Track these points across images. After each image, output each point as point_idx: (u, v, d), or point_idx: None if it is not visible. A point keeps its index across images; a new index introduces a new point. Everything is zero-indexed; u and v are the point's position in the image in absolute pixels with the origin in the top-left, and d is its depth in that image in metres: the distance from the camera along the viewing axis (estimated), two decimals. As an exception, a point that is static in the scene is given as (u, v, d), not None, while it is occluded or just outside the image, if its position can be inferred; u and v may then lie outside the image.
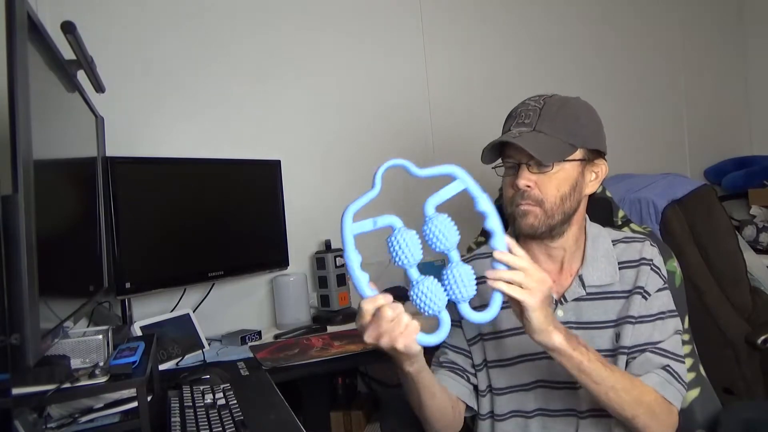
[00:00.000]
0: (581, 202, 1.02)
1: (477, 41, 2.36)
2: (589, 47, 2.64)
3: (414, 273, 0.80)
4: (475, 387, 1.09)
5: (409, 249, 0.78)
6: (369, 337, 0.81)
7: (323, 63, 2.05)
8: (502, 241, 0.81)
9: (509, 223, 1.02)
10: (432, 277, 0.80)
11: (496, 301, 0.81)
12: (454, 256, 0.81)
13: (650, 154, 2.76)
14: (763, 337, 1.71)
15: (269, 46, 1.96)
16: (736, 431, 1.06)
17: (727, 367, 1.82)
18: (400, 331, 0.79)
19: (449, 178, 0.83)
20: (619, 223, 1.32)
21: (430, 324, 0.82)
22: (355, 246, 0.80)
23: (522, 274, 0.80)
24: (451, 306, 0.81)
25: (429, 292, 0.78)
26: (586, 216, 1.07)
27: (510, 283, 0.81)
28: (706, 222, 1.88)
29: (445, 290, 0.80)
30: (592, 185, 1.02)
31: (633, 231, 1.21)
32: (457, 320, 1.03)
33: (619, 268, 1.01)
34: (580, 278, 1.02)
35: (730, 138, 3.08)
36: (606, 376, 0.87)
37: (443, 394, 1.02)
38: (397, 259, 0.79)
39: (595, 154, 1.01)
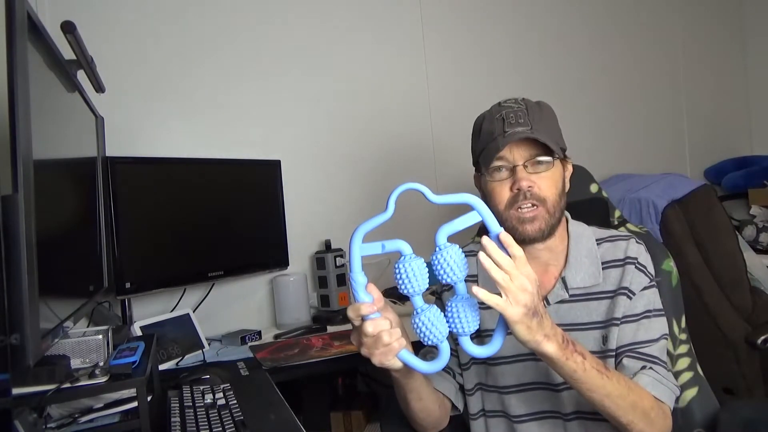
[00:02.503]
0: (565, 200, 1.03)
1: (478, 40, 2.36)
2: (590, 47, 2.64)
3: (418, 301, 0.79)
4: (461, 386, 1.09)
5: (417, 278, 0.77)
6: (353, 341, 0.84)
7: (323, 63, 2.05)
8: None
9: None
10: (435, 308, 0.78)
11: (499, 335, 0.78)
12: (462, 288, 0.78)
13: (650, 154, 2.77)
14: (763, 337, 1.71)
15: (269, 46, 1.96)
16: (736, 431, 1.06)
17: (727, 366, 1.82)
18: (377, 349, 0.79)
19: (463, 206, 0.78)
20: (616, 223, 1.32)
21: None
22: (362, 267, 0.79)
23: (505, 276, 0.75)
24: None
25: (430, 323, 0.77)
26: (568, 215, 1.07)
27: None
28: (706, 222, 1.88)
29: (448, 323, 0.78)
30: (567, 183, 1.05)
31: (629, 231, 1.21)
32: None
33: (603, 268, 1.00)
34: (563, 280, 1.01)
35: (730, 138, 3.08)
36: (601, 385, 0.84)
37: (430, 396, 1.01)
38: (403, 287, 0.77)
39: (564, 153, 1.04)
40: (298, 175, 1.96)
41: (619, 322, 0.96)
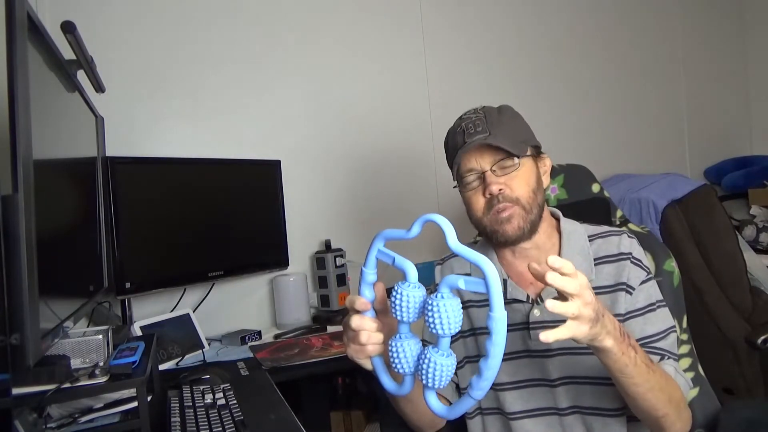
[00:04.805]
0: (544, 195, 1.04)
1: (478, 42, 2.36)
2: (591, 48, 2.64)
3: (403, 328, 0.77)
4: (457, 385, 1.09)
5: (412, 307, 0.75)
6: (342, 325, 0.85)
7: (324, 63, 2.05)
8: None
9: (486, 236, 1.03)
10: (416, 340, 0.77)
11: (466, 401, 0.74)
12: (444, 344, 0.74)
13: (650, 154, 2.77)
14: (763, 337, 1.71)
15: (269, 46, 1.96)
16: (736, 431, 1.06)
17: (727, 367, 1.82)
18: (353, 343, 0.80)
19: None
20: (618, 223, 1.32)
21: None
22: (375, 266, 0.79)
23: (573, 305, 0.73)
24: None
25: (403, 353, 0.75)
26: (560, 213, 1.08)
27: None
28: (706, 222, 1.88)
29: (419, 372, 0.75)
30: (545, 178, 1.05)
31: (631, 231, 1.21)
32: None
33: (596, 264, 1.00)
34: None
35: (730, 138, 3.08)
36: (647, 379, 0.84)
37: (422, 398, 1.02)
38: (396, 311, 0.76)
39: (537, 150, 1.05)
40: (298, 175, 1.96)
41: (623, 318, 0.97)
